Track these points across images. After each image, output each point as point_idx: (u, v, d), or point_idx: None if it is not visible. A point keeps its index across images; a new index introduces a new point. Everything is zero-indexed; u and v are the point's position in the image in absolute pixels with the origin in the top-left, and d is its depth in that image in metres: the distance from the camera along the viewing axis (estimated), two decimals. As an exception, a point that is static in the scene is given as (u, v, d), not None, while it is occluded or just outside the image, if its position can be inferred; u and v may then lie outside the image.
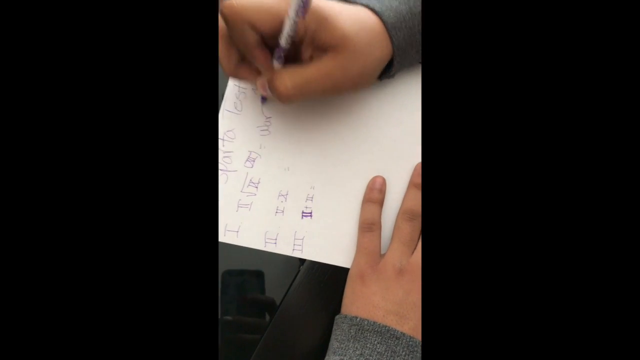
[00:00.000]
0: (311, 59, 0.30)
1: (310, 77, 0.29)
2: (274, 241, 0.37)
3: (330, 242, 0.37)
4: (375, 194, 0.36)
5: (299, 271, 0.37)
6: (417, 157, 0.38)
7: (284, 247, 0.37)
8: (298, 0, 0.26)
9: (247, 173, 0.38)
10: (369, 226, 0.36)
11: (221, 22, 0.30)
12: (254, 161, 0.38)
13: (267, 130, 0.38)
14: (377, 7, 0.31)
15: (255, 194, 0.37)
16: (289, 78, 0.29)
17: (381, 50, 0.31)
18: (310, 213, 0.37)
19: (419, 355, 0.30)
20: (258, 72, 0.32)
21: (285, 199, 0.38)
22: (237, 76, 0.33)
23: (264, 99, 0.38)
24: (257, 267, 0.37)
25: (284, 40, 0.29)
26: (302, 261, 0.37)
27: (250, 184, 0.38)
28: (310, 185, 0.38)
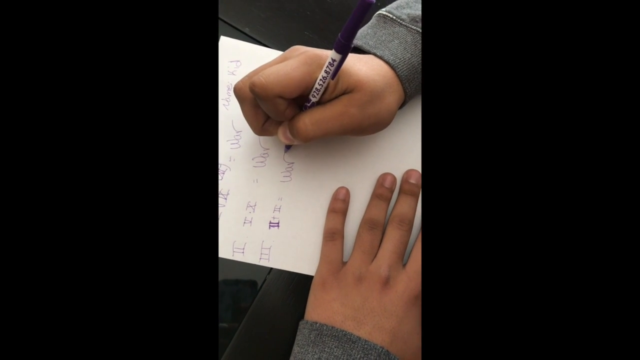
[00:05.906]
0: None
1: (328, 115, 0.31)
2: (241, 250, 0.38)
3: (296, 251, 0.38)
4: (338, 204, 0.38)
5: (265, 279, 0.38)
6: (379, 170, 0.39)
7: (251, 257, 0.38)
8: (330, 64, 0.28)
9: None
10: (331, 235, 0.37)
11: (242, 89, 0.32)
12: (223, 173, 0.39)
13: (237, 143, 0.40)
14: (390, 59, 0.34)
15: (225, 205, 0.39)
16: (308, 117, 0.31)
17: (395, 95, 0.34)
18: (278, 223, 0.39)
19: (373, 357, 0.31)
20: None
21: (254, 209, 0.39)
22: (264, 134, 0.35)
23: (287, 147, 0.39)
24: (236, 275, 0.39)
25: (312, 96, 0.31)
26: (269, 269, 0.39)
27: (220, 195, 0.39)
28: (278, 196, 0.39)
